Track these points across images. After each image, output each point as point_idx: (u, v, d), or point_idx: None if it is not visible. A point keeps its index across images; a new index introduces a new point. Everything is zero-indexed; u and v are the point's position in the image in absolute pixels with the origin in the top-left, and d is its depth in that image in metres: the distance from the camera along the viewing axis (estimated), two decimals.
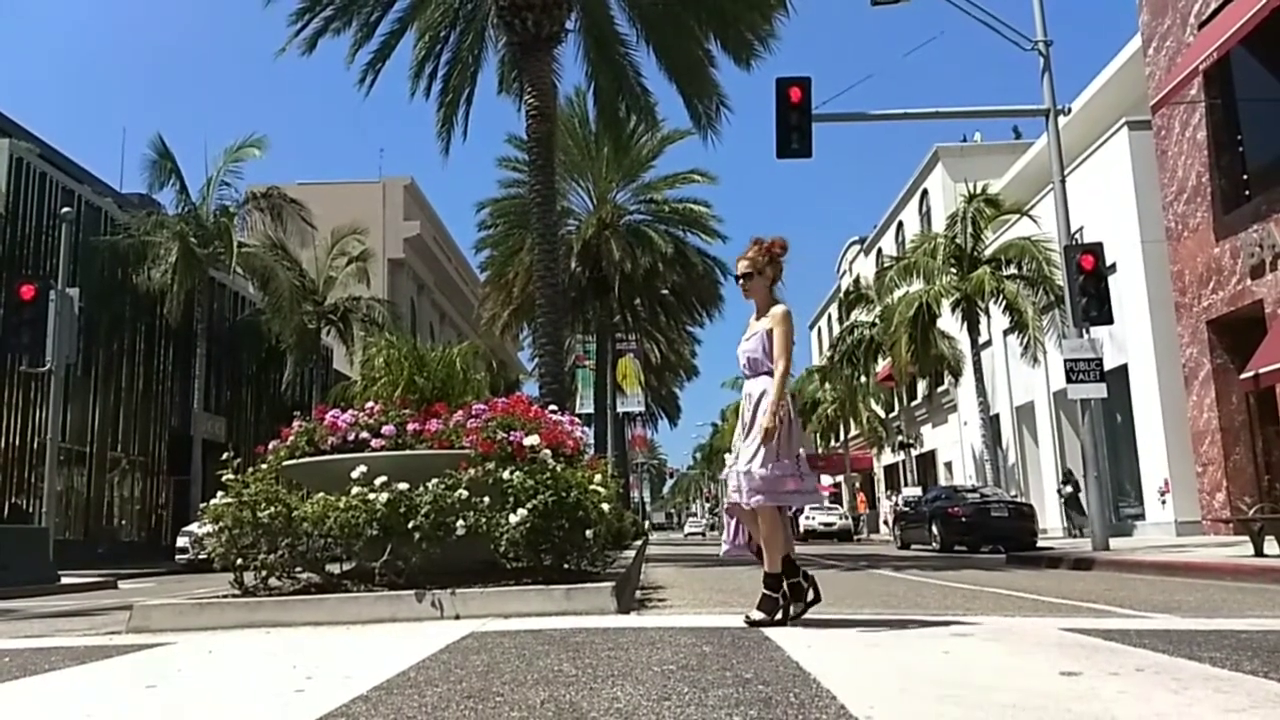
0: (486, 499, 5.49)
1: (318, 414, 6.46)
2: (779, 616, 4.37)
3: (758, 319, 4.59)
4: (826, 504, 46.57)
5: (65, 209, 17.56)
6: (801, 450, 4.44)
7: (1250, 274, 16.27)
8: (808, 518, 39.49)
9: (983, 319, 24.93)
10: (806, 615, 4.46)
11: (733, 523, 4.59)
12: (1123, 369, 20.56)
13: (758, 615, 4.37)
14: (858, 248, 48.41)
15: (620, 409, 33.53)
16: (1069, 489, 22.79)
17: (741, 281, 4.63)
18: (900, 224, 40.55)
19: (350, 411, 6.29)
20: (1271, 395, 15.92)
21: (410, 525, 5.37)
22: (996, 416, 27.67)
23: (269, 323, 27.76)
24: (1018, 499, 21.13)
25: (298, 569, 5.76)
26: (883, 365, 34.11)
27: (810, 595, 4.46)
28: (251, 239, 27.32)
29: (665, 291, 30.88)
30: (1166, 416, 19.37)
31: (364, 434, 6.11)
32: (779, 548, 4.39)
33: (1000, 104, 18.37)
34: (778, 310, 4.52)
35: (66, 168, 24.89)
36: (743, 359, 4.59)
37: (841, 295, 41.38)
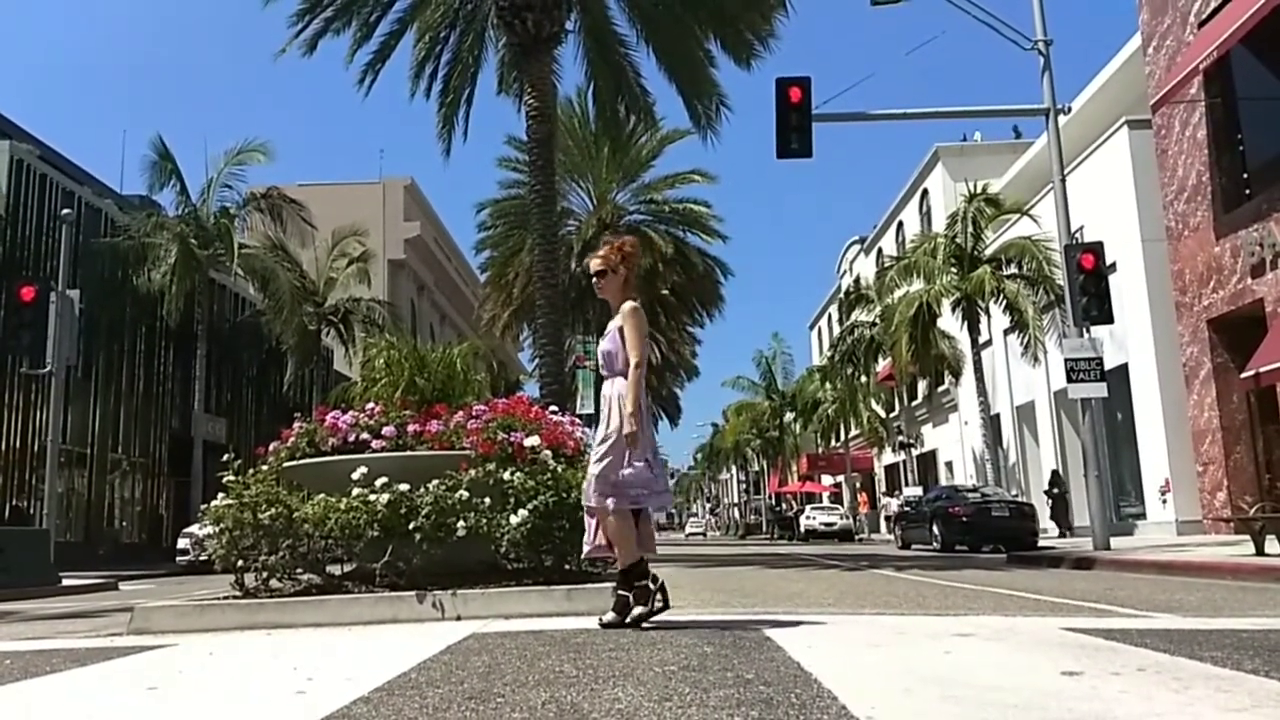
0: (487, 500, 5.49)
1: (318, 415, 6.46)
2: (628, 618, 4.29)
3: (615, 317, 4.54)
4: (827, 504, 46.60)
5: (65, 210, 17.57)
6: (658, 451, 4.38)
7: (1250, 273, 16.26)
8: (809, 518, 39.45)
9: (983, 318, 24.92)
10: (805, 615, 4.45)
11: (593, 523, 4.49)
12: (1123, 368, 20.54)
13: (609, 617, 4.32)
14: (858, 247, 48.41)
15: None
16: (1055, 491, 22.82)
17: (595, 280, 4.59)
18: (900, 224, 40.55)
19: (351, 413, 6.29)
20: (1272, 394, 15.91)
21: (411, 526, 5.37)
22: (997, 416, 27.64)
23: (269, 324, 27.78)
24: (1018, 499, 21.12)
25: (299, 570, 5.76)
26: (883, 365, 34.11)
27: (659, 602, 4.33)
28: (252, 240, 27.36)
29: (665, 291, 30.87)
30: (1167, 415, 19.35)
31: (364, 435, 6.10)
32: (629, 547, 4.32)
33: (1000, 103, 18.37)
34: (625, 306, 4.45)
35: (67, 169, 24.91)
36: (601, 359, 4.54)
37: (842, 295, 41.38)
